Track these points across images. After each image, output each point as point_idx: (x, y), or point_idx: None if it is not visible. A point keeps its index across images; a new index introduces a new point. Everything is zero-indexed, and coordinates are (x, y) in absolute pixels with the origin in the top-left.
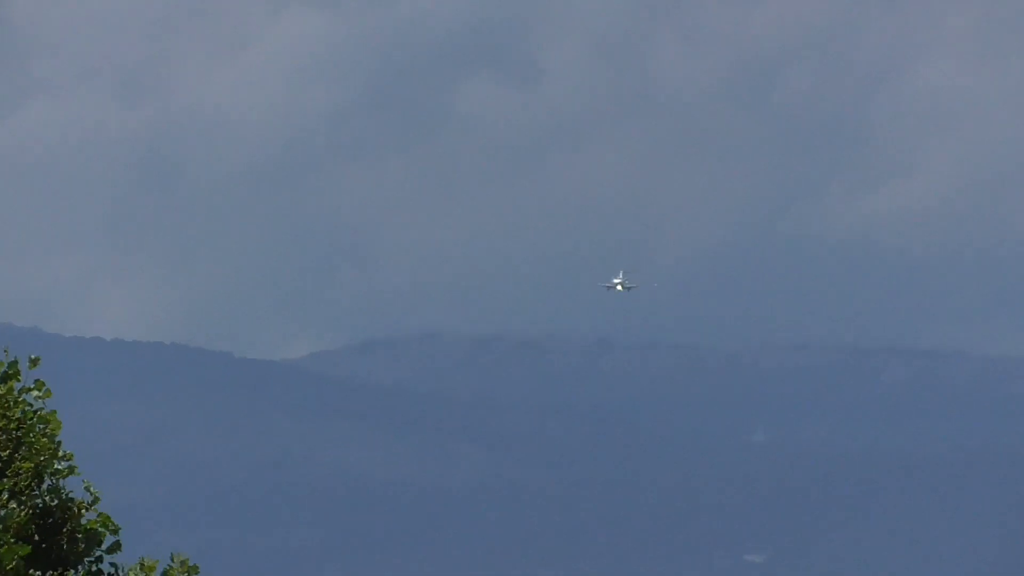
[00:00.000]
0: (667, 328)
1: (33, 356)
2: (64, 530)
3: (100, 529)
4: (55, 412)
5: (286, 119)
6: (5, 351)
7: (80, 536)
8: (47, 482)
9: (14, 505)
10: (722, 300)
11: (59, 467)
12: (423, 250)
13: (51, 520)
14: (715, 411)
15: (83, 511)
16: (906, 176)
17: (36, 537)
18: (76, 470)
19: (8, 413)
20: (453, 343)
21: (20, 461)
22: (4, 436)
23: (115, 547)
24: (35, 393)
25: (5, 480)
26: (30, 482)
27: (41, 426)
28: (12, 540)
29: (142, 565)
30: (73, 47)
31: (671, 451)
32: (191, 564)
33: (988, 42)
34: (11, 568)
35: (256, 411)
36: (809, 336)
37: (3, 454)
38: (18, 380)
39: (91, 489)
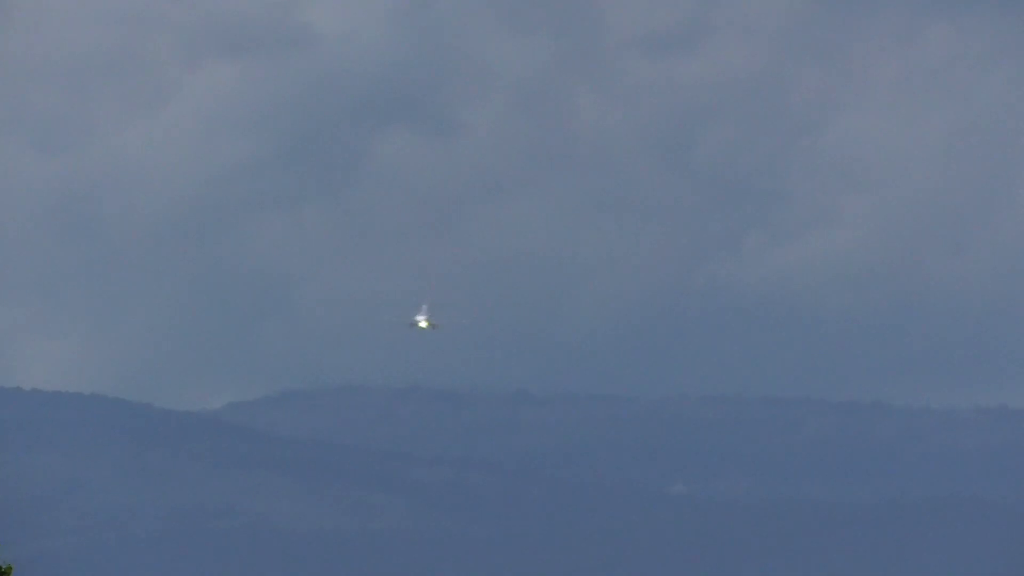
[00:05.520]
0: (586, 380)
1: None
2: None
3: None
4: None
5: (203, 170)
6: None
7: None
8: None
9: None
10: (640, 352)
11: None
12: (341, 301)
13: None
14: (634, 462)
15: None
16: (824, 229)
17: None
18: None
19: None
20: (371, 394)
21: None
22: None
23: None
24: None
25: None
26: None
27: None
28: None
29: None
30: None
31: (590, 502)
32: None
33: (909, 96)
34: None
35: (176, 462)
36: (726, 388)
37: None
38: None
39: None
